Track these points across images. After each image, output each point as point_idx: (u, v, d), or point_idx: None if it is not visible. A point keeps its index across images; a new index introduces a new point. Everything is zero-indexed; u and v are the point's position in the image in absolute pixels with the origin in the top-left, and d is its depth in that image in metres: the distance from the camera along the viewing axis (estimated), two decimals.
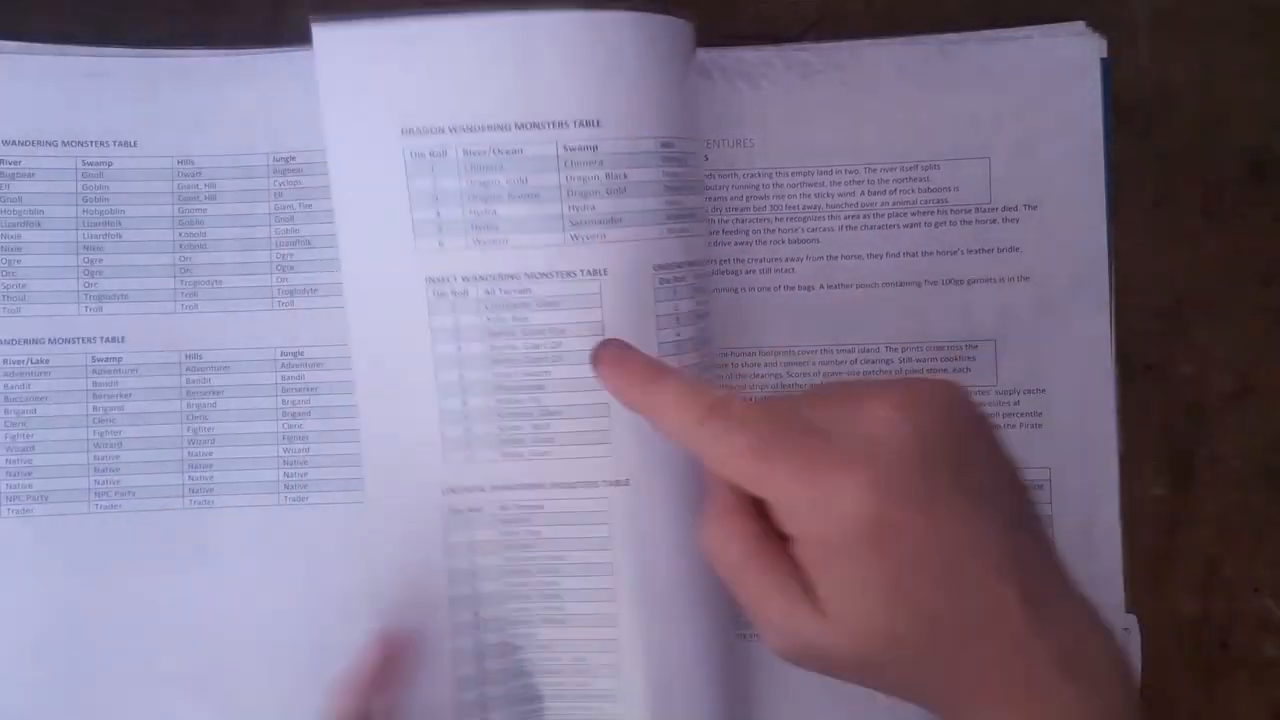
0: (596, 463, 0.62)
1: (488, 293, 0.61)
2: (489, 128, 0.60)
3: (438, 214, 0.61)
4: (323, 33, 0.62)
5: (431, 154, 0.61)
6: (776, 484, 0.47)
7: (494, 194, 0.60)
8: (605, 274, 0.60)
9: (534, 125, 0.60)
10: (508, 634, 0.64)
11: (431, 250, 0.61)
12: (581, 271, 0.60)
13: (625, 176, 0.60)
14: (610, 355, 0.56)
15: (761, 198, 0.69)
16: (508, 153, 0.60)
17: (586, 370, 0.58)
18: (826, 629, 0.46)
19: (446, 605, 0.64)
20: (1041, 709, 0.45)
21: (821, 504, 0.46)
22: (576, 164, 0.60)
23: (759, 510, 0.49)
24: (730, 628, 0.66)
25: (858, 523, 0.45)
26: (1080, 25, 0.68)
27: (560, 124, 0.60)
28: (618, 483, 0.62)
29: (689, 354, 0.62)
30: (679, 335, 0.61)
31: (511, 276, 0.61)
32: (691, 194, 0.62)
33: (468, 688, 0.63)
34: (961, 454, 0.47)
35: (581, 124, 0.59)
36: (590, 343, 0.58)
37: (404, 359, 0.62)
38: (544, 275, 0.61)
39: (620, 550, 0.63)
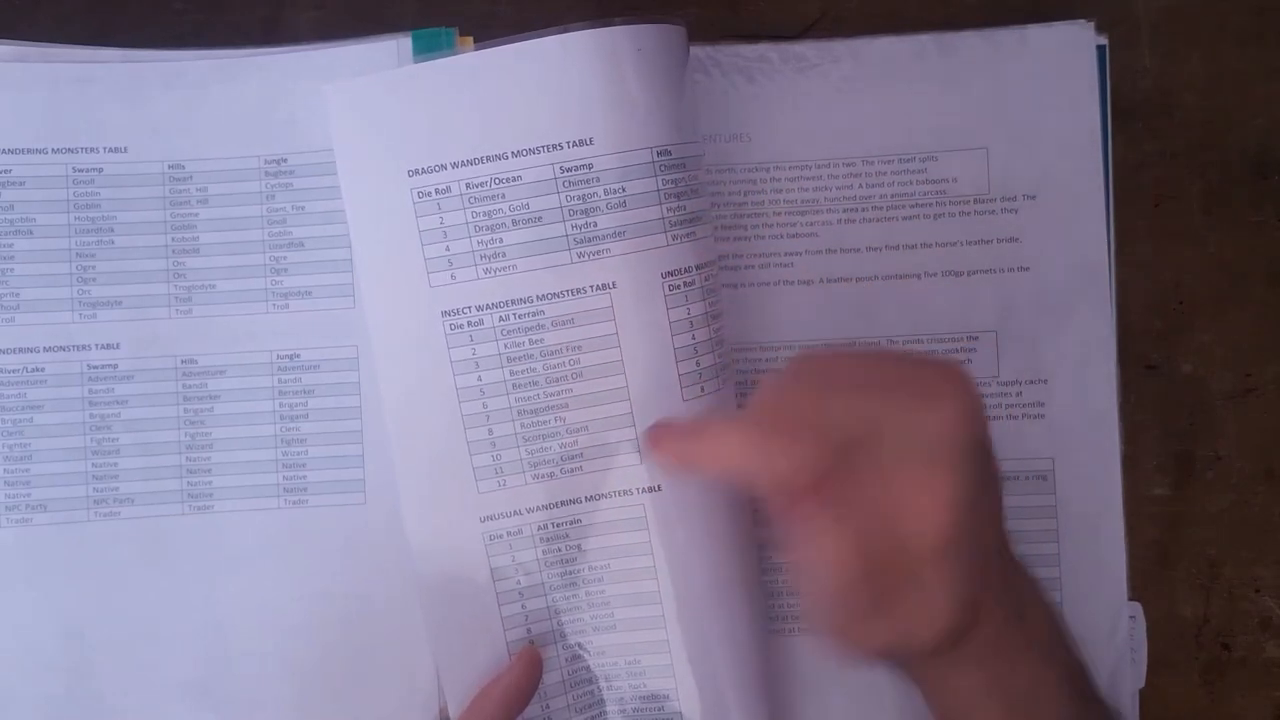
0: (627, 472, 0.62)
1: (502, 319, 0.62)
2: (487, 159, 0.61)
3: (447, 248, 0.62)
4: (333, 90, 0.63)
5: (436, 191, 0.61)
6: (860, 498, 0.49)
7: (498, 222, 0.61)
8: (615, 287, 0.61)
9: (530, 151, 0.60)
10: (562, 646, 0.65)
11: (445, 284, 0.62)
12: (591, 288, 0.61)
13: (623, 190, 0.60)
14: (654, 434, 0.58)
15: (759, 193, 0.68)
16: (507, 180, 0.61)
17: (607, 384, 0.61)
18: (904, 643, 0.50)
19: (500, 627, 0.64)
20: (1008, 658, 0.52)
21: (913, 516, 0.48)
22: (574, 183, 0.60)
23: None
24: (763, 620, 0.66)
25: (946, 529, 0.47)
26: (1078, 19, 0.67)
27: (554, 146, 0.60)
28: (650, 489, 0.62)
29: (705, 356, 0.62)
30: (694, 339, 0.62)
31: (523, 300, 0.61)
32: (694, 198, 0.62)
33: (533, 705, 0.65)
34: (985, 452, 0.50)
35: (574, 144, 0.60)
36: (607, 355, 0.61)
37: (431, 394, 0.63)
38: (554, 296, 0.61)
39: (660, 553, 0.63)
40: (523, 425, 0.62)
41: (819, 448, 0.48)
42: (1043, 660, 0.52)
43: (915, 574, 0.48)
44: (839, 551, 0.48)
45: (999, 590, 0.50)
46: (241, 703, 0.67)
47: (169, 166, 0.67)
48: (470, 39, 0.67)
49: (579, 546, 0.64)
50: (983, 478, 0.48)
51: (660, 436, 0.57)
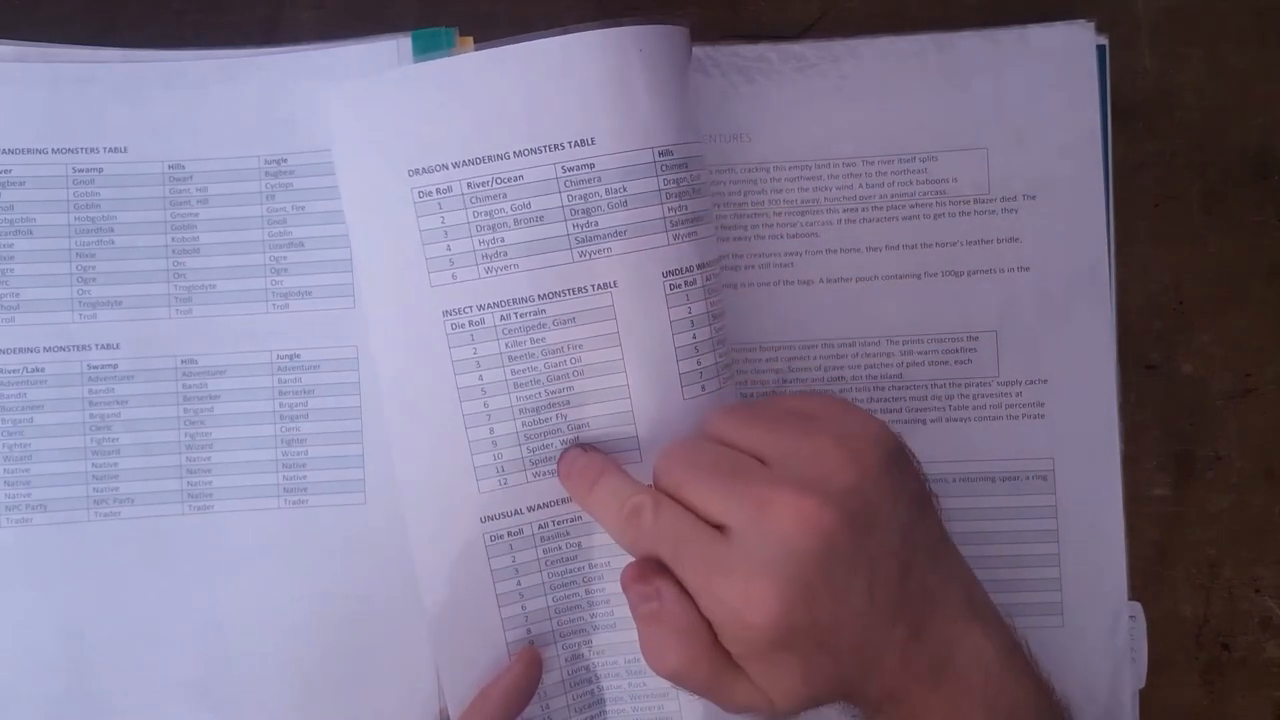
0: (628, 469, 0.62)
1: (503, 318, 0.62)
2: (489, 158, 0.61)
3: (448, 248, 0.62)
4: (333, 91, 0.63)
5: (438, 191, 0.61)
6: (690, 588, 0.52)
7: (499, 222, 0.61)
8: (616, 286, 0.61)
9: (532, 150, 0.60)
10: (562, 646, 0.66)
11: (446, 284, 0.62)
12: (592, 286, 0.61)
13: (624, 190, 0.60)
14: (564, 463, 0.63)
15: (759, 193, 0.68)
16: (509, 180, 0.61)
17: (608, 382, 0.61)
18: (768, 708, 0.53)
19: (500, 628, 0.64)
20: (914, 711, 0.52)
21: (732, 618, 0.50)
22: (575, 183, 0.60)
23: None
24: None
25: (768, 633, 0.50)
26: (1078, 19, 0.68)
27: (556, 146, 0.60)
28: (650, 486, 0.62)
29: (706, 355, 0.62)
30: (695, 338, 0.62)
31: (525, 299, 0.61)
32: (697, 198, 0.62)
33: (532, 705, 0.65)
34: (865, 523, 0.51)
35: (576, 144, 0.60)
36: (608, 354, 0.61)
37: (431, 394, 0.63)
38: (556, 295, 0.61)
39: None
40: (524, 424, 0.62)
41: (667, 543, 0.53)
42: (967, 700, 0.52)
43: (755, 663, 0.52)
44: (675, 639, 0.52)
45: (895, 648, 0.51)
46: (241, 703, 0.67)
47: (169, 166, 0.67)
48: (470, 39, 0.67)
49: (579, 544, 0.64)
50: (852, 561, 0.50)
51: (567, 470, 0.62)
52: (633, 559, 0.56)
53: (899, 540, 0.52)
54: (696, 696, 0.54)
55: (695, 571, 0.51)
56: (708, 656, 0.52)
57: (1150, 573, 0.68)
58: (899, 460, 0.53)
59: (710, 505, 0.52)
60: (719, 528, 0.51)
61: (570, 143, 0.60)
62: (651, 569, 0.54)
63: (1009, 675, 0.53)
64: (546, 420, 0.62)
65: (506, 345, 0.62)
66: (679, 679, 0.53)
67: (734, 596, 0.50)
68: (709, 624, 0.51)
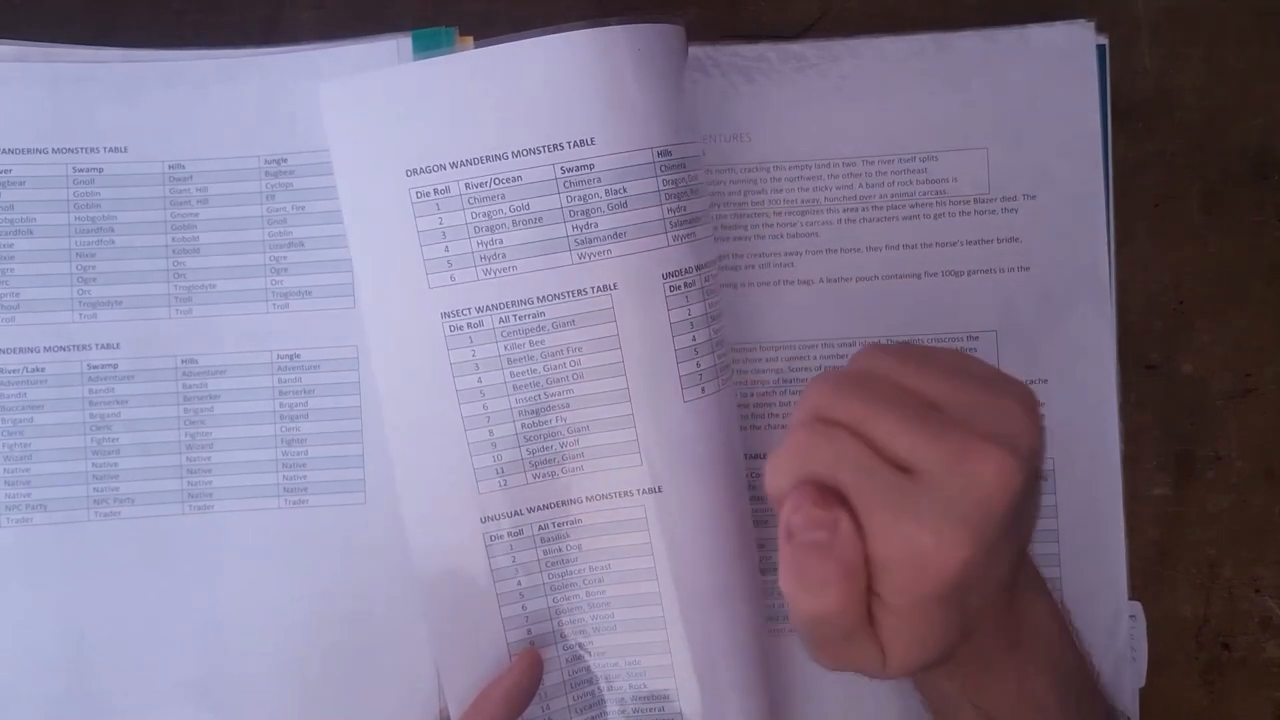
0: (628, 473, 0.63)
1: (502, 321, 0.62)
2: (487, 159, 0.61)
3: (446, 249, 0.62)
4: (329, 89, 0.63)
5: (435, 191, 0.61)
6: (869, 524, 0.47)
7: (498, 223, 0.61)
8: (615, 288, 0.61)
9: (530, 151, 0.60)
10: (563, 647, 0.66)
11: (444, 286, 0.62)
12: (592, 289, 0.61)
13: (624, 190, 0.60)
14: None
15: (759, 192, 0.68)
16: (507, 181, 0.61)
17: (608, 385, 0.61)
18: (876, 668, 0.49)
19: (501, 628, 0.65)
20: (986, 674, 0.51)
21: (912, 564, 0.45)
22: (575, 184, 0.60)
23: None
24: (762, 621, 0.66)
25: (943, 585, 0.45)
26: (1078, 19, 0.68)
27: (555, 146, 0.60)
28: (650, 490, 0.63)
29: (705, 357, 0.62)
30: (694, 340, 0.62)
31: (524, 302, 0.62)
32: (694, 198, 0.62)
33: (533, 705, 0.65)
34: (1031, 489, 0.47)
35: (575, 144, 0.60)
36: (608, 357, 0.61)
37: (430, 396, 0.63)
38: (555, 297, 0.61)
39: (660, 554, 0.63)
40: (524, 425, 0.62)
41: (848, 468, 0.47)
42: (1035, 663, 0.52)
43: (903, 614, 0.47)
44: (839, 574, 0.46)
45: (993, 613, 0.49)
46: (241, 703, 0.67)
47: (169, 166, 0.67)
48: (470, 39, 0.67)
49: (579, 547, 0.64)
50: (1013, 525, 0.47)
51: None
52: (790, 479, 0.48)
53: (1036, 507, 0.50)
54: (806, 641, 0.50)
55: (881, 507, 0.46)
56: (861, 601, 0.47)
57: (1150, 573, 0.68)
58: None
59: (898, 442, 0.46)
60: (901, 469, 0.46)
61: (570, 143, 0.60)
62: (832, 495, 0.47)
63: (1066, 639, 0.53)
64: (546, 423, 0.62)
65: (505, 348, 0.62)
66: (821, 623, 0.47)
67: (922, 541, 0.45)
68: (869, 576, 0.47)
